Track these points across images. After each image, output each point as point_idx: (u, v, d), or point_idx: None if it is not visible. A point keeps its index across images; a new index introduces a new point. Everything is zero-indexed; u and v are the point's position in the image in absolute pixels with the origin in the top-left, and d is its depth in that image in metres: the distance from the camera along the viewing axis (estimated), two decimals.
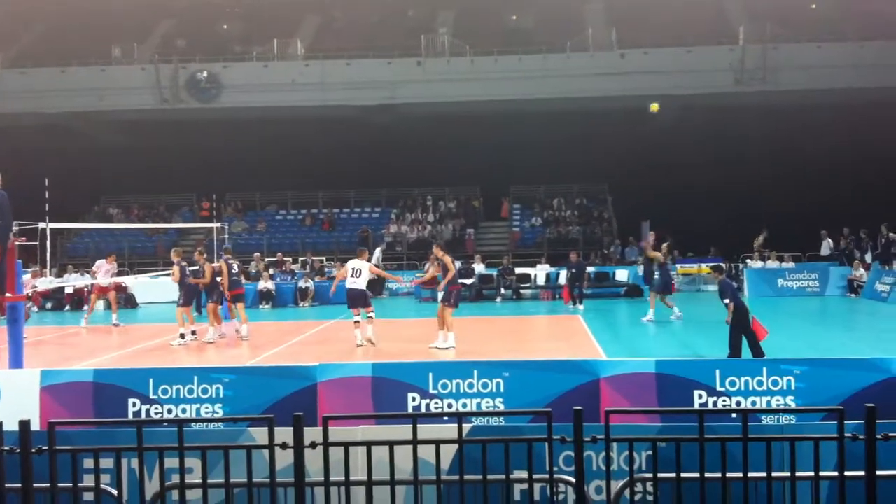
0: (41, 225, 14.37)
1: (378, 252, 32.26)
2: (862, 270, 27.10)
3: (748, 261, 30.93)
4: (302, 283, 28.47)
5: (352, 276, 16.87)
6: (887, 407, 8.41)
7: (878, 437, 5.32)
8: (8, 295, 11.91)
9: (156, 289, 28.79)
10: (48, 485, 5.34)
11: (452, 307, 16.44)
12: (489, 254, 34.64)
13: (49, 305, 28.22)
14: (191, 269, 18.87)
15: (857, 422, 5.70)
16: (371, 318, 16.93)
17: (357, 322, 16.71)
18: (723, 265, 16.96)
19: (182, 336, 18.13)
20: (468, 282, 24.30)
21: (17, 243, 12.83)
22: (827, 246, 30.81)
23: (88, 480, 6.11)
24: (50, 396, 9.83)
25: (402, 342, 16.60)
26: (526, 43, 40.16)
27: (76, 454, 5.54)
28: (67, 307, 27.98)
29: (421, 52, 39.77)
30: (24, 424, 5.30)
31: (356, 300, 16.88)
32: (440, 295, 17.53)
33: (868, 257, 27.99)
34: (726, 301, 13.67)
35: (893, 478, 5.57)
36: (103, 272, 22.19)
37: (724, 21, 41.17)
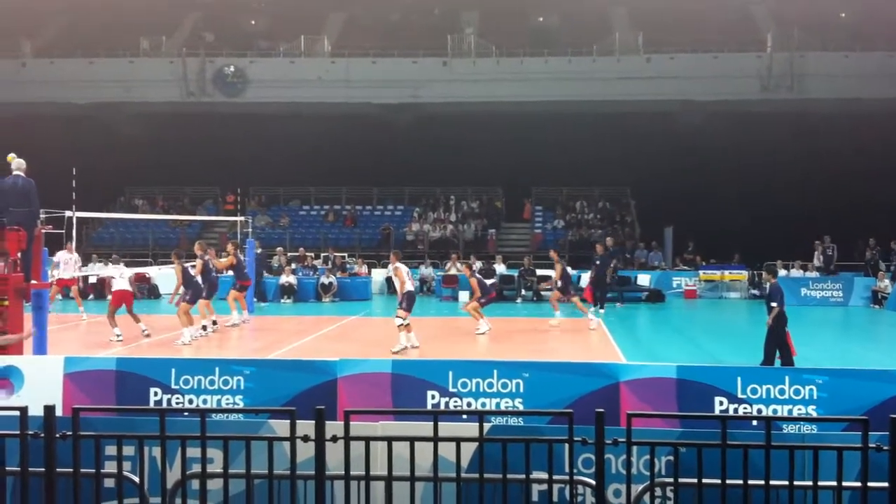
0: (68, 213, 14.47)
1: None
2: (887, 281, 26.87)
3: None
4: (324, 279, 28.55)
5: (408, 278, 16.57)
6: None
7: None
8: (34, 282, 12.02)
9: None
10: (71, 470, 5.38)
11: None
12: (510, 255, 34.60)
13: (72, 294, 28.36)
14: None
15: (881, 433, 5.64)
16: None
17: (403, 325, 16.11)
18: (776, 268, 16.59)
19: (204, 328, 18.32)
20: (489, 282, 24.23)
21: (43, 231, 12.96)
22: (818, 256, 30.53)
23: (110, 467, 6.14)
24: (73, 383, 9.91)
25: (420, 339, 16.56)
26: (551, 44, 40.12)
27: (99, 440, 5.58)
28: (91, 296, 28.12)
29: (447, 52, 39.80)
30: (49, 409, 5.34)
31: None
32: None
33: (893, 268, 27.73)
34: (773, 304, 13.38)
35: None
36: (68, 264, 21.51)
37: (752, 27, 40.99)
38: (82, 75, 39.67)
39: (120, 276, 18.67)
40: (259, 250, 27.48)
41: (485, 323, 19.02)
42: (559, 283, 21.14)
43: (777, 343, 13.33)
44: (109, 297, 19.95)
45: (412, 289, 16.36)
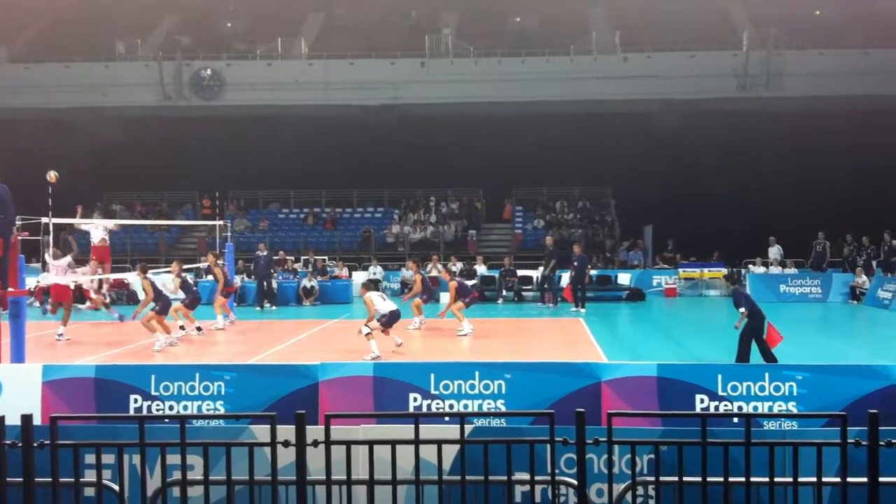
0: (44, 220, 14.35)
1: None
2: (864, 277, 27.08)
3: (751, 266, 30.94)
4: (306, 282, 28.48)
5: (382, 301, 16.33)
6: (888, 414, 8.42)
7: (881, 443, 5.32)
8: (10, 289, 11.91)
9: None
10: (49, 479, 5.33)
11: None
12: (491, 255, 34.63)
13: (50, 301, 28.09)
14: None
15: (860, 428, 5.69)
16: None
17: (371, 335, 15.72)
18: (735, 274, 16.83)
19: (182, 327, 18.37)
20: (470, 283, 24.27)
21: (19, 238, 12.84)
22: (776, 251, 30.74)
23: (90, 476, 6.09)
24: (52, 391, 9.84)
25: (403, 342, 16.54)
26: (529, 45, 40.18)
27: (78, 449, 5.54)
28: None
29: (425, 53, 39.79)
30: (27, 418, 5.30)
31: (397, 321, 16.56)
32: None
33: (873, 264, 27.91)
34: (741, 310, 13.61)
35: (895, 485, 5.56)
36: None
37: (729, 26, 41.22)
38: (58, 80, 39.32)
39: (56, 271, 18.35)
40: (265, 252, 27.54)
41: (467, 324, 19.03)
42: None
43: (751, 340, 13.46)
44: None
45: (392, 308, 16.08)
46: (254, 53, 41.27)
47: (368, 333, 15.26)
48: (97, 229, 20.65)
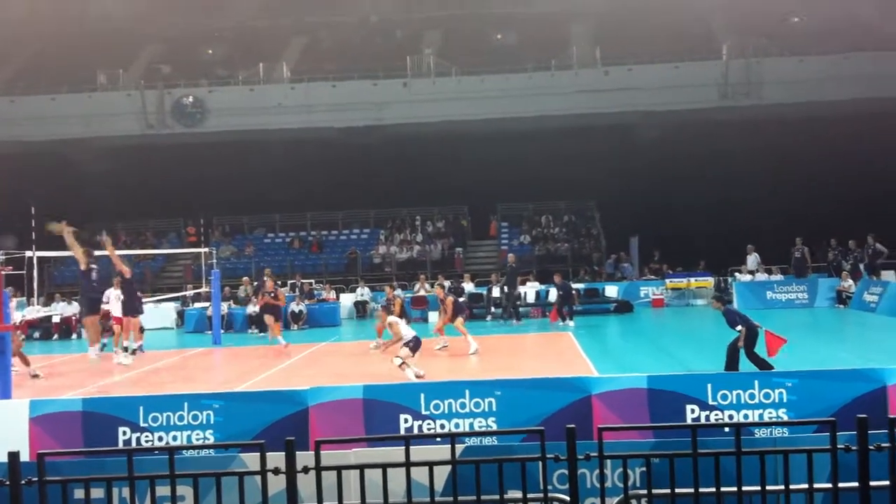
0: (28, 253, 14.30)
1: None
2: (850, 281, 27.19)
3: (737, 274, 31.04)
4: (294, 307, 28.32)
5: (406, 325, 16.20)
6: (878, 417, 8.44)
7: (871, 447, 5.33)
8: None
9: (144, 315, 28.57)
10: None
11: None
12: (478, 272, 34.65)
13: (37, 335, 28.00)
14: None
15: (850, 433, 5.70)
16: None
17: (404, 364, 15.37)
18: (724, 295, 16.78)
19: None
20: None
21: (3, 272, 12.78)
22: (754, 260, 30.86)
23: None
24: (39, 427, 9.76)
25: (391, 363, 16.48)
26: (511, 62, 40.34)
27: (66, 484, 5.49)
28: (56, 336, 27.79)
29: (406, 73, 39.92)
30: (13, 456, 5.26)
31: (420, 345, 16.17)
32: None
33: (861, 267, 27.99)
34: (738, 328, 13.57)
35: (886, 489, 5.57)
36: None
37: (708, 37, 41.49)
38: (43, 112, 39.27)
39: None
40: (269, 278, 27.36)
41: (473, 341, 18.98)
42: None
43: (738, 352, 13.47)
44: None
45: (415, 333, 15.71)
46: (236, 79, 41.32)
47: (401, 364, 15.03)
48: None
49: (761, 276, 30.11)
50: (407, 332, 15.67)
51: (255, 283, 29.17)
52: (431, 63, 40.53)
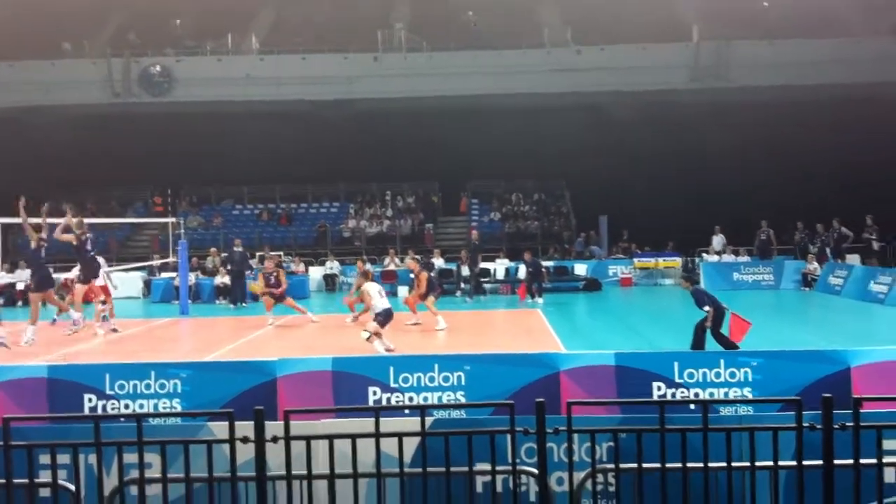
0: None
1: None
2: (815, 264, 27.51)
3: (704, 255, 31.31)
4: (254, 288, 28.02)
5: (380, 297, 15.80)
6: (841, 399, 8.55)
7: (835, 426, 5.40)
8: None
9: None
10: (3, 481, 5.23)
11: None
12: (448, 248, 34.65)
13: (0, 301, 27.65)
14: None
15: (814, 412, 5.77)
16: None
17: (372, 337, 15.17)
18: (692, 275, 16.90)
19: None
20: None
21: None
22: (719, 241, 31.19)
23: (45, 476, 5.98)
24: (3, 393, 9.65)
25: (359, 337, 16.44)
26: (482, 39, 40.22)
27: (32, 449, 5.44)
28: (20, 303, 27.46)
29: (377, 48, 39.66)
30: None
31: (391, 318, 15.83)
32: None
33: (827, 251, 28.27)
34: (706, 308, 13.68)
35: (849, 467, 5.66)
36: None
37: (679, 19, 41.55)
38: (3, 78, 38.59)
39: None
40: (240, 248, 26.72)
41: (442, 319, 18.94)
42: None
43: (705, 332, 13.61)
44: None
45: (385, 306, 15.51)
46: (203, 49, 40.84)
47: (369, 337, 14.90)
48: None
49: (727, 258, 30.39)
50: (380, 303, 15.53)
51: (224, 255, 28.98)
52: (402, 38, 40.30)
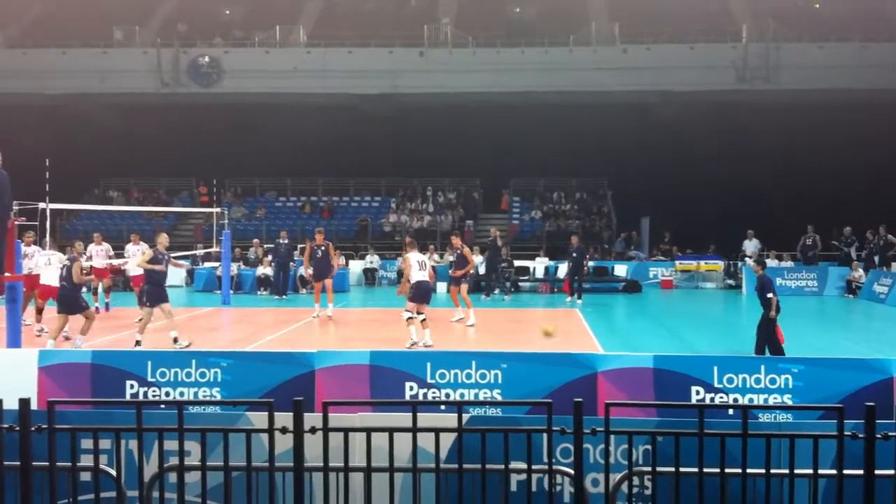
0: (41, 205, 14.34)
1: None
2: (860, 271, 27.10)
3: (747, 259, 30.96)
4: (303, 271, 28.30)
5: (420, 269, 15.85)
6: (884, 408, 8.44)
7: (878, 436, 5.33)
8: (7, 274, 11.88)
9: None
10: (47, 463, 5.33)
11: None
12: (488, 246, 34.53)
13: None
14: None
15: (856, 421, 5.69)
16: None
17: (412, 319, 15.37)
18: (764, 259, 16.44)
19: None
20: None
21: (16, 223, 12.81)
22: (753, 246, 30.74)
23: (86, 460, 6.09)
24: (48, 377, 9.82)
25: (397, 331, 16.51)
26: (528, 35, 40.11)
27: (75, 433, 5.53)
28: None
29: (423, 42, 39.72)
30: (25, 403, 5.29)
31: (427, 295, 15.93)
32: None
33: (875, 259, 27.83)
34: (769, 295, 13.39)
35: (891, 477, 5.58)
36: (99, 254, 21.57)
37: (728, 18, 41.17)
38: (56, 66, 39.27)
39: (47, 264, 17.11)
40: (286, 240, 26.68)
41: (472, 315, 18.90)
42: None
43: (770, 331, 13.36)
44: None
45: (421, 279, 15.63)
46: (252, 41, 41.19)
47: (410, 318, 15.14)
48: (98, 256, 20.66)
49: (771, 263, 29.99)
50: (416, 275, 15.63)
51: (268, 246, 29.17)
52: (448, 33, 40.32)
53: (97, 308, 20.35)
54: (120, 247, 24.02)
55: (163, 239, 16.33)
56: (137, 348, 13.83)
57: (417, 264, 15.82)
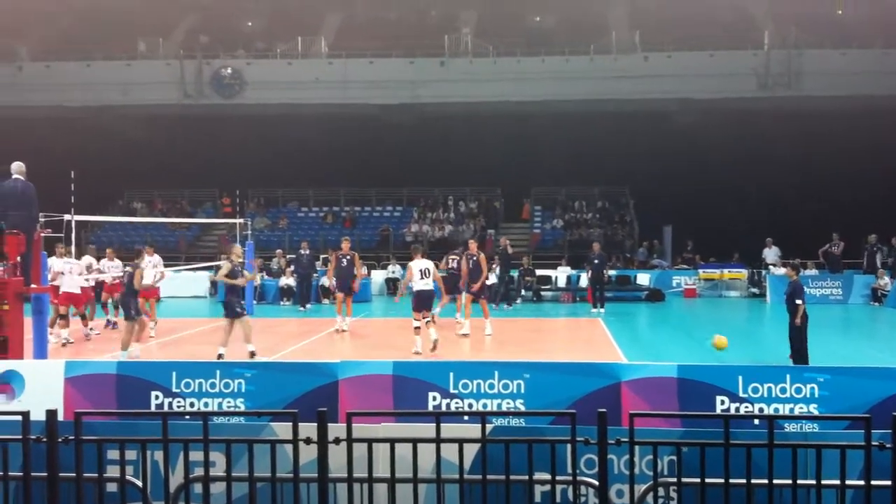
0: (66, 217, 14.49)
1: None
2: (887, 279, 26.87)
3: (772, 267, 30.71)
4: (325, 281, 28.38)
5: (421, 277, 15.95)
6: None
7: None
8: (33, 286, 12.00)
9: (177, 283, 29.00)
10: (73, 474, 5.37)
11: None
12: (499, 255, 34.52)
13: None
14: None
15: (883, 431, 5.64)
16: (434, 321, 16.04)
17: (419, 328, 15.61)
18: (799, 265, 16.38)
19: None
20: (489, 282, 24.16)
21: (42, 234, 12.95)
22: (773, 253, 30.43)
23: (113, 471, 6.13)
24: (74, 388, 9.89)
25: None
26: (548, 44, 40.13)
27: (102, 444, 5.57)
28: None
29: (444, 52, 39.83)
30: (52, 414, 5.34)
31: (428, 302, 16.05)
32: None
33: None
34: (798, 302, 13.37)
35: None
36: (112, 270, 21.45)
37: (749, 25, 41.01)
38: (79, 78, 39.72)
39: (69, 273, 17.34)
40: (307, 251, 26.68)
41: (489, 325, 18.81)
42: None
43: (802, 339, 13.29)
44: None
45: (423, 287, 15.78)
46: (274, 52, 41.48)
47: (417, 328, 15.39)
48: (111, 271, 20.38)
49: (780, 271, 29.72)
50: (416, 283, 15.87)
51: (290, 257, 29.24)
52: (469, 43, 40.42)
53: (108, 322, 20.44)
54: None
55: (237, 251, 16.13)
56: (162, 359, 13.90)
57: (420, 272, 15.98)
